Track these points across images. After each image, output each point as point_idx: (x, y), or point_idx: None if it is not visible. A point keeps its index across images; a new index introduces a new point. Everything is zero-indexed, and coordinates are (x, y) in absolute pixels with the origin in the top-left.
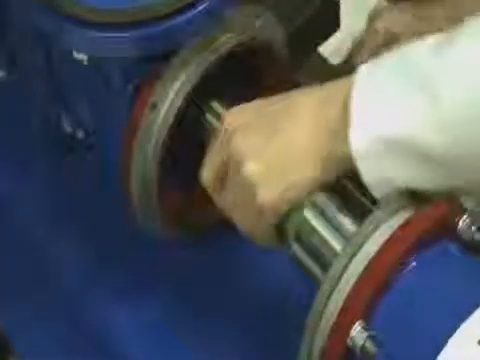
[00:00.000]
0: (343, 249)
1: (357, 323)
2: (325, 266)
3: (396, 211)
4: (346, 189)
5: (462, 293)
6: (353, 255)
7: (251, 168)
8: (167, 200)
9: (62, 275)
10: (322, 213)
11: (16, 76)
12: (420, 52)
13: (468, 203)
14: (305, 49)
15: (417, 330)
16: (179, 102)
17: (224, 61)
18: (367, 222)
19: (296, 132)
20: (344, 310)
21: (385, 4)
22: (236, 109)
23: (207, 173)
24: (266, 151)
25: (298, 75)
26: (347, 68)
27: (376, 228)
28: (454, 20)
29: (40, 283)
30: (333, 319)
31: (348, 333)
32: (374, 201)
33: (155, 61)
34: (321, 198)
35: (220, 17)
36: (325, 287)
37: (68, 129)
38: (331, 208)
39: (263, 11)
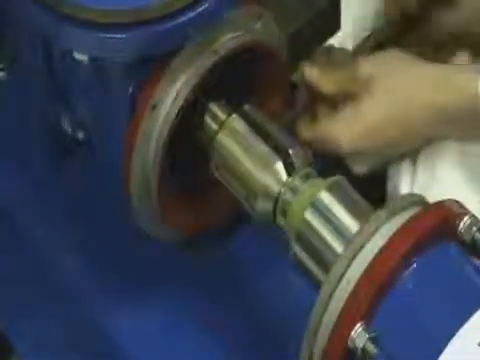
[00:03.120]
0: (344, 250)
1: (358, 324)
2: (326, 267)
3: (397, 212)
4: (347, 190)
5: (463, 294)
6: (354, 256)
7: None
8: (167, 200)
9: (62, 275)
10: (323, 214)
11: (16, 76)
12: None
13: None
14: (305, 49)
15: (418, 331)
16: (179, 103)
17: (224, 62)
18: (368, 223)
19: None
20: (345, 311)
21: None
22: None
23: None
24: None
25: (298, 75)
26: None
27: (377, 229)
28: None
29: (40, 283)
30: (334, 320)
31: (349, 334)
32: (375, 202)
33: (155, 61)
34: (322, 199)
35: (220, 17)
36: (326, 288)
37: (68, 129)
38: (332, 209)
39: (263, 12)
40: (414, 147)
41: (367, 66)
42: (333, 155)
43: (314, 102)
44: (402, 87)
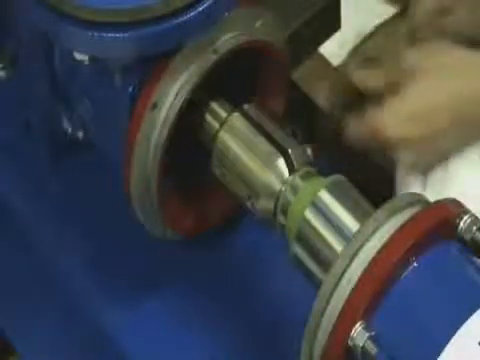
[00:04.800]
0: (344, 249)
1: (358, 323)
2: (326, 266)
3: (397, 211)
4: (347, 189)
5: (463, 294)
6: (354, 255)
7: None
8: (167, 200)
9: (62, 275)
10: (323, 213)
11: (16, 76)
12: None
13: None
14: (305, 49)
15: (418, 331)
16: (179, 102)
17: (224, 61)
18: (368, 222)
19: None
20: (345, 310)
21: None
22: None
23: None
24: None
25: (298, 75)
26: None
27: (377, 228)
28: None
29: (40, 283)
30: (334, 319)
31: (349, 333)
32: (375, 202)
33: (155, 61)
34: (322, 198)
35: (220, 17)
36: (326, 287)
37: (68, 129)
38: (332, 208)
39: (263, 12)
40: (464, 144)
41: (412, 56)
42: (381, 149)
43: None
44: (445, 73)
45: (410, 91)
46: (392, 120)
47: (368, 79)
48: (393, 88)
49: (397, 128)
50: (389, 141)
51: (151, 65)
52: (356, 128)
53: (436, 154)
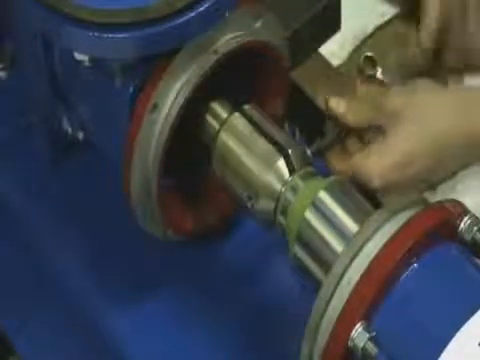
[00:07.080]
0: (344, 250)
1: (358, 324)
2: (326, 267)
3: (397, 212)
4: (347, 189)
5: (463, 294)
6: (354, 256)
7: None
8: (167, 200)
9: (62, 275)
10: (323, 214)
11: (16, 76)
12: None
13: None
14: (305, 49)
15: (418, 331)
16: (180, 102)
17: (225, 61)
18: (368, 223)
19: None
20: (345, 311)
21: None
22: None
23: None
24: None
25: (298, 75)
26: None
27: (377, 229)
28: None
29: (40, 283)
30: (334, 320)
31: (349, 334)
32: (375, 202)
33: (155, 61)
34: (322, 199)
35: (220, 17)
36: (326, 288)
37: (68, 129)
38: (332, 209)
39: (263, 12)
40: (448, 174)
41: (393, 99)
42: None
43: (343, 134)
44: (427, 118)
45: (391, 139)
46: (376, 169)
47: (347, 115)
48: (374, 129)
49: (381, 177)
50: (375, 187)
51: (151, 65)
52: (340, 166)
53: (428, 185)
